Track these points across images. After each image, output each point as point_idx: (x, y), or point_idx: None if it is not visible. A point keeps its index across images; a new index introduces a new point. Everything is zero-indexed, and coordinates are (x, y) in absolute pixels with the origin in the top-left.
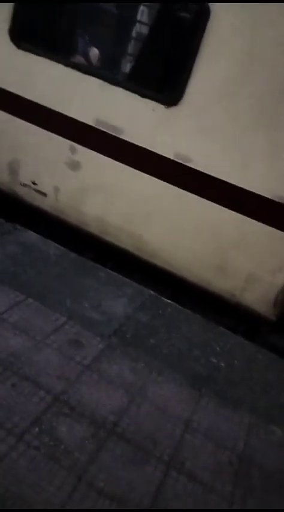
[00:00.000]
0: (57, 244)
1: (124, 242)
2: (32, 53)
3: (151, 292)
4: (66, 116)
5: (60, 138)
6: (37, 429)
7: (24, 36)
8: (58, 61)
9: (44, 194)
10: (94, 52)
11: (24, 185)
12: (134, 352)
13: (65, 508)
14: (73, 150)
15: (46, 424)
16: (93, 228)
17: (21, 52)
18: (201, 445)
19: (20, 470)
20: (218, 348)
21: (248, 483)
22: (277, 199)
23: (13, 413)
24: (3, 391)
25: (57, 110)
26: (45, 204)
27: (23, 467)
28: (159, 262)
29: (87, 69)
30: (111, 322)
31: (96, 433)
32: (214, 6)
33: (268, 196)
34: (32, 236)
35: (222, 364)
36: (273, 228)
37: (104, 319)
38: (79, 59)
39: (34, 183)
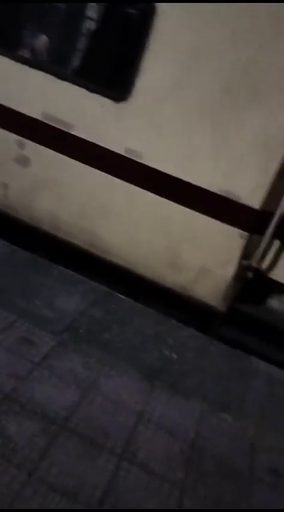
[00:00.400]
0: (7, 243)
1: (77, 238)
2: None
3: (105, 288)
4: (13, 110)
5: (7, 132)
6: None
7: None
8: (3, 54)
9: None
10: (43, 40)
11: None
12: (87, 347)
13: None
14: (21, 145)
15: None
16: (45, 225)
17: None
18: (153, 436)
19: None
20: (170, 341)
21: (199, 470)
22: (224, 194)
23: None
24: None
25: (2, 103)
26: None
27: None
28: (112, 258)
29: (35, 63)
30: (63, 319)
31: (47, 429)
32: (160, 4)
33: (215, 191)
34: None
35: (174, 356)
36: (222, 223)
37: (56, 317)
38: (26, 52)
39: None
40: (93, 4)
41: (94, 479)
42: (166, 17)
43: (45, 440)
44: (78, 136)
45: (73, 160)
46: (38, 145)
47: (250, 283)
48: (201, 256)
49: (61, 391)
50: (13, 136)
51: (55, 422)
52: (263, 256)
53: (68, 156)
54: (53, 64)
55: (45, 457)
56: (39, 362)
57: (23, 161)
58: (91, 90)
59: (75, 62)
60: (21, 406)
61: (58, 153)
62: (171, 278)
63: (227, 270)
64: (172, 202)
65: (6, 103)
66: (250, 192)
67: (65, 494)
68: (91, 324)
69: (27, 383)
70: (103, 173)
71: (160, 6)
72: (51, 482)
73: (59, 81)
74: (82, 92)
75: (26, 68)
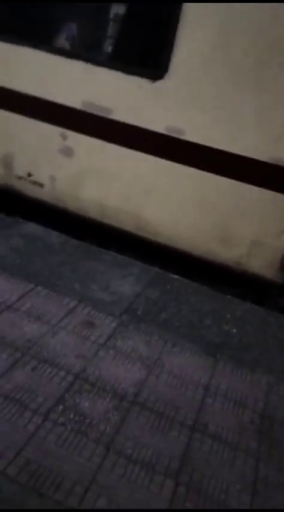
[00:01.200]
0: (59, 233)
1: (125, 223)
2: (12, 43)
3: (157, 269)
4: (53, 103)
5: (50, 126)
6: (61, 407)
7: (2, 26)
8: (39, 48)
9: (41, 185)
10: (73, 28)
11: (20, 178)
12: (147, 327)
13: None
14: (64, 137)
15: (69, 401)
16: (93, 213)
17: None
18: (222, 408)
19: (50, 446)
20: (229, 316)
21: (271, 439)
22: (272, 162)
23: (36, 394)
24: (24, 376)
25: (44, 97)
26: (43, 194)
27: (52, 443)
28: (161, 239)
29: (69, 52)
30: (121, 301)
31: (118, 405)
32: None
33: (263, 160)
34: (33, 227)
35: (234, 330)
36: (272, 191)
37: (114, 299)
38: (59, 43)
39: (29, 175)
40: None
41: (169, 451)
42: None
43: (118, 416)
44: (117, 121)
45: (115, 145)
46: (80, 134)
47: None
48: (252, 228)
49: (127, 369)
50: (56, 129)
51: (125, 399)
52: None
53: (109, 141)
54: (87, 51)
55: (120, 432)
56: (104, 343)
57: (68, 152)
58: (127, 72)
59: (109, 46)
60: (92, 385)
61: (100, 140)
62: (223, 254)
63: (281, 240)
64: (218, 176)
65: (47, 96)
66: None
67: (143, 465)
68: (149, 305)
69: (95, 363)
70: (145, 154)
71: None
72: (128, 455)
73: (95, 67)
74: (119, 75)
75: (61, 58)
